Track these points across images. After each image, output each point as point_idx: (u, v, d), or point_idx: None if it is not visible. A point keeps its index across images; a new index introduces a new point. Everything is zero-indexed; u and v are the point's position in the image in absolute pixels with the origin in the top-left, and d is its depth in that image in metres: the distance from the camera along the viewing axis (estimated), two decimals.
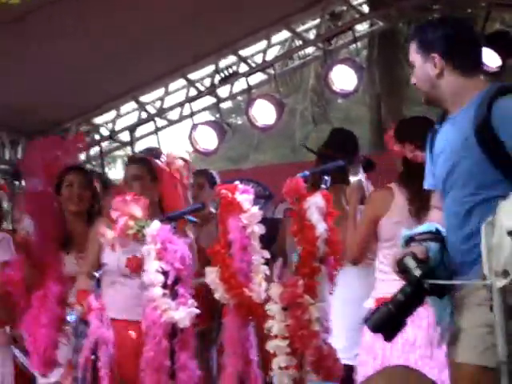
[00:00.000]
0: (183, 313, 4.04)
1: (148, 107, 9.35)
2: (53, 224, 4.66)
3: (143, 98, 9.27)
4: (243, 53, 8.75)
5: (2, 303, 4.57)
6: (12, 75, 8.01)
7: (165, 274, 4.10)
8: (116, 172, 9.43)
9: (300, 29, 8.84)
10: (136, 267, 4.14)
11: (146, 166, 4.69)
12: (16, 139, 9.73)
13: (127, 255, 4.24)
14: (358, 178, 4.43)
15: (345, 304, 4.45)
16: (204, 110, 9.63)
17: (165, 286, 4.08)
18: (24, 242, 4.57)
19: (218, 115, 9.62)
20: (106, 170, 10.90)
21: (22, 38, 7.32)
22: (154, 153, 6.10)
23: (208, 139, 8.67)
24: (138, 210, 4.29)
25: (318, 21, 8.63)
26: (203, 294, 4.38)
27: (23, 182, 9.80)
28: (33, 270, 4.51)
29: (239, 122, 21.15)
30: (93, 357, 4.01)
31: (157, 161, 4.82)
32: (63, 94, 8.50)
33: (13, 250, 4.68)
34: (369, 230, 4.13)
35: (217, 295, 4.08)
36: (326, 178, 4.07)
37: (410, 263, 2.84)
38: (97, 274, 4.26)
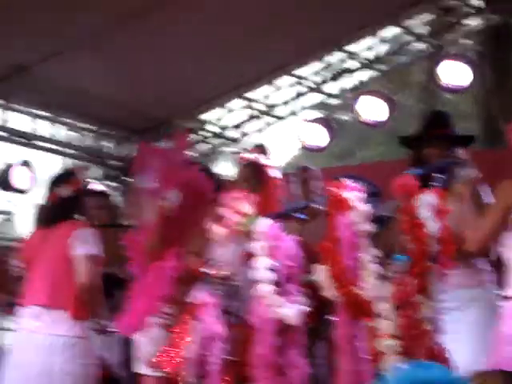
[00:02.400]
0: (292, 310, 4.05)
1: (257, 104, 9.40)
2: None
3: (251, 95, 9.32)
4: (352, 49, 8.70)
5: (89, 296, 4.64)
6: (122, 74, 8.20)
7: (274, 271, 4.11)
8: (222, 169, 9.46)
9: (410, 24, 8.72)
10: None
11: (254, 170, 4.72)
12: (126, 136, 9.94)
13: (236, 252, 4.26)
14: (468, 171, 4.35)
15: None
16: (312, 107, 9.62)
17: (274, 283, 4.09)
18: (165, 214, 4.60)
19: (324, 112, 9.60)
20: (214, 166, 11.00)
21: (134, 37, 7.48)
22: (262, 150, 6.12)
23: (316, 136, 8.66)
24: (246, 207, 4.31)
25: (428, 16, 8.51)
26: (310, 292, 4.37)
27: (134, 178, 10.01)
28: (160, 241, 4.56)
29: (345, 119, 20.99)
30: (203, 352, 4.05)
31: (264, 161, 4.83)
32: (172, 91, 8.64)
33: (99, 245, 4.71)
34: (499, 220, 3.96)
35: (326, 293, 4.06)
36: (441, 175, 3.99)
37: None
38: (204, 270, 4.30)
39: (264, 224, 4.21)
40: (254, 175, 4.75)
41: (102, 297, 4.69)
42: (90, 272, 4.66)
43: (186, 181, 4.69)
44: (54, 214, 4.86)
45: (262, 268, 4.12)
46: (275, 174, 4.87)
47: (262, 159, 4.91)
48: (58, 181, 4.98)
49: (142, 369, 4.67)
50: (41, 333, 4.61)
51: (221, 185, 4.76)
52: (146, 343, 4.65)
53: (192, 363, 4.08)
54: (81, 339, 4.59)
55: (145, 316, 4.44)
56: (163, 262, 4.50)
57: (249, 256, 4.17)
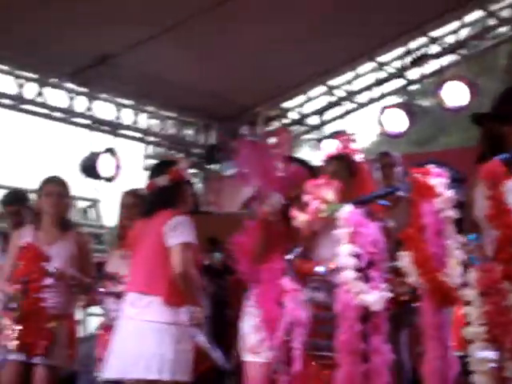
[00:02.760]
0: (376, 296, 4.03)
1: (337, 91, 9.38)
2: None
3: (332, 82, 9.30)
4: (434, 34, 8.60)
5: (185, 282, 4.69)
6: (205, 61, 8.28)
7: (357, 257, 4.10)
8: (304, 156, 9.44)
9: (494, 8, 8.57)
10: None
11: (343, 163, 4.70)
12: (210, 123, 10.03)
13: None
14: None
15: None
16: (392, 93, 9.55)
17: (357, 269, 4.08)
18: (266, 219, 4.65)
19: (405, 98, 9.51)
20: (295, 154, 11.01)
21: (217, 24, 7.52)
22: (347, 137, 6.05)
23: (397, 122, 8.59)
24: (330, 194, 4.31)
25: None
26: (393, 278, 4.35)
27: (216, 166, 10.11)
28: (265, 244, 4.61)
29: (426, 104, 20.75)
30: (287, 338, 4.08)
31: (353, 149, 4.80)
32: (254, 79, 8.68)
33: (194, 233, 4.78)
34: None
35: (410, 279, 4.04)
36: None
37: None
38: (290, 257, 4.32)
39: (347, 210, 4.20)
40: (344, 165, 4.72)
41: (196, 285, 4.73)
42: (185, 260, 4.68)
43: (287, 180, 4.71)
44: (152, 203, 4.93)
45: (345, 254, 4.12)
46: (363, 160, 4.84)
47: (349, 147, 4.87)
48: (157, 170, 5.03)
49: (247, 356, 4.74)
50: (136, 319, 4.70)
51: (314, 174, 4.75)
52: (250, 332, 4.71)
53: (277, 349, 4.12)
54: (173, 325, 4.65)
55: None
56: (272, 264, 4.54)
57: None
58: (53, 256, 5.24)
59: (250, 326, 4.76)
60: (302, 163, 5.00)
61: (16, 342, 4.90)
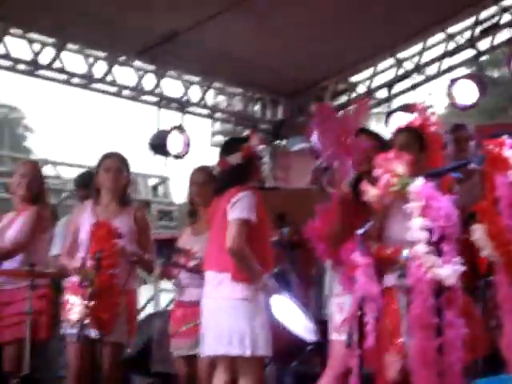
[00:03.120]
0: (449, 270, 3.98)
1: (405, 63, 9.26)
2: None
3: (401, 55, 9.18)
4: (506, 3, 8.41)
5: (237, 258, 4.71)
6: (271, 36, 8.24)
7: (429, 231, 4.05)
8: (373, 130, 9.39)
9: None
10: None
11: (413, 135, 4.65)
12: (276, 99, 10.01)
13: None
14: None
15: None
16: (462, 64, 9.39)
17: (430, 243, 4.03)
18: (344, 198, 4.63)
19: (475, 69, 9.35)
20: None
21: None
22: (411, 109, 5.97)
23: (467, 94, 8.44)
24: (400, 167, 4.26)
25: None
26: (466, 251, 4.29)
27: (284, 142, 10.09)
28: (342, 226, 4.60)
29: (497, 75, 20.40)
30: (359, 312, 4.06)
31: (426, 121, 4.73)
32: (321, 53, 8.61)
33: (253, 209, 4.75)
34: None
35: (484, 253, 3.98)
36: None
37: None
38: (361, 232, 4.28)
39: (418, 184, 4.15)
40: (413, 138, 4.66)
41: (252, 261, 4.72)
42: (237, 236, 4.69)
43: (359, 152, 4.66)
44: (224, 181, 4.94)
45: (417, 228, 4.07)
46: (436, 133, 4.76)
47: (426, 118, 4.80)
48: (229, 147, 5.00)
49: (332, 335, 4.74)
50: (213, 297, 4.76)
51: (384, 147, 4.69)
52: (335, 311, 4.72)
53: (349, 323, 4.10)
54: (246, 301, 4.67)
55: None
56: (349, 247, 4.52)
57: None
58: None
59: (335, 305, 4.79)
60: (373, 136, 4.95)
61: (89, 318, 4.95)
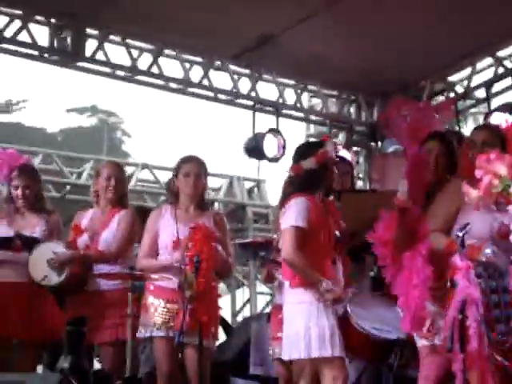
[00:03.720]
0: None
1: (505, 62, 9.05)
2: (424, 186, 4.65)
3: (500, 53, 8.98)
4: None
5: (291, 266, 4.73)
6: (365, 37, 8.19)
7: None
8: (467, 131, 9.18)
9: None
10: (505, 234, 4.04)
11: (493, 132, 4.55)
12: (372, 100, 9.93)
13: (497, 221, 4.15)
14: None
15: None
16: None
17: None
18: (402, 205, 4.59)
19: None
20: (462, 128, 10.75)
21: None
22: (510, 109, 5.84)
23: None
24: (503, 169, 4.17)
25: None
26: None
27: (379, 143, 10.01)
28: (404, 231, 4.55)
29: None
30: (460, 316, 3.99)
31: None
32: (417, 53, 8.51)
33: (303, 216, 4.70)
34: None
35: None
36: None
37: None
38: (460, 234, 4.20)
39: None
40: (493, 135, 4.57)
41: (305, 268, 4.70)
42: (288, 245, 4.72)
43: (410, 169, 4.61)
44: (293, 186, 4.92)
45: None
46: None
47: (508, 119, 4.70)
48: (304, 152, 4.96)
49: (419, 341, 4.69)
50: (285, 302, 4.85)
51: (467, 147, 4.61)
52: None
53: (450, 327, 4.03)
54: (303, 304, 4.69)
55: (420, 312, 4.44)
56: (414, 250, 4.47)
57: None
58: None
59: None
60: (445, 140, 4.88)
61: (187, 322, 4.98)
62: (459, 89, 9.62)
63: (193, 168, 5.38)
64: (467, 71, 9.40)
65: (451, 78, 9.61)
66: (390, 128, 4.89)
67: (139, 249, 5.45)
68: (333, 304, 4.69)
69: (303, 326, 4.66)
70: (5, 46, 7.95)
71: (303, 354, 4.65)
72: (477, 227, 4.16)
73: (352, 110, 10.17)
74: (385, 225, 4.66)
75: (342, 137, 10.28)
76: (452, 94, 9.63)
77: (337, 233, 4.90)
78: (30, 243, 5.57)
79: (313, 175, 4.86)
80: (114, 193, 5.70)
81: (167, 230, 5.29)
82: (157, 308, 5.19)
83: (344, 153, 6.66)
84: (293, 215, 4.75)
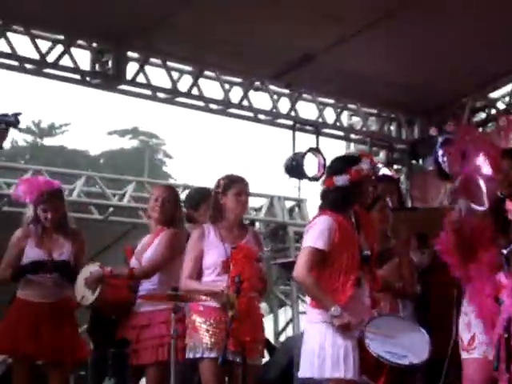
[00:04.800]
0: None
1: None
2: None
3: None
4: None
5: (307, 290, 4.78)
6: (404, 55, 8.18)
7: None
8: None
9: None
10: None
11: None
12: (412, 118, 9.89)
13: None
14: None
15: None
16: None
17: None
18: (458, 222, 4.56)
19: None
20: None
21: (413, 15, 7.41)
22: None
23: None
24: None
25: None
26: None
27: (420, 161, 9.95)
28: (463, 246, 4.52)
29: None
30: (506, 335, 3.94)
31: None
32: (457, 69, 8.48)
33: (323, 237, 4.66)
34: None
35: None
36: None
37: None
38: (505, 252, 4.16)
39: None
40: None
41: (316, 290, 4.69)
42: (301, 264, 4.68)
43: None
44: (323, 201, 4.86)
45: None
46: None
47: None
48: (337, 167, 4.89)
49: (463, 354, 4.64)
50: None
51: None
52: (463, 329, 4.64)
53: (495, 345, 3.99)
54: (318, 323, 4.67)
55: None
56: (481, 260, 4.44)
57: None
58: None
59: (463, 324, 4.67)
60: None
61: (230, 341, 4.98)
62: (501, 105, 9.54)
63: (244, 188, 5.41)
64: (509, 87, 9.32)
65: (492, 95, 9.54)
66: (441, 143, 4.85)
67: (182, 269, 5.45)
68: (341, 330, 4.63)
69: (318, 345, 4.64)
70: (48, 70, 8.08)
71: (316, 374, 4.62)
72: None
73: (393, 127, 10.13)
74: (447, 234, 4.61)
75: (382, 155, 10.25)
76: (493, 111, 9.56)
77: (367, 252, 4.80)
78: (60, 266, 5.70)
79: (344, 193, 4.78)
80: (161, 213, 5.72)
81: (213, 250, 5.29)
82: (208, 329, 5.21)
83: (386, 171, 6.64)
84: (314, 235, 4.70)
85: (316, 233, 4.69)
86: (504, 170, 4.66)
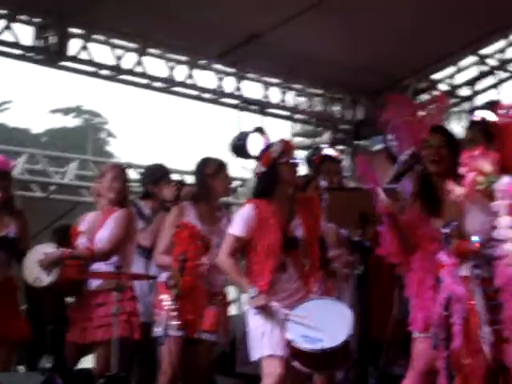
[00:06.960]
0: None
1: (489, 60, 9.09)
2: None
3: (484, 51, 9.01)
4: None
5: (226, 273, 4.87)
6: (350, 36, 8.21)
7: None
8: (454, 129, 9.21)
9: None
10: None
11: (477, 129, 4.58)
12: (356, 99, 9.94)
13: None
14: None
15: None
16: None
17: None
18: (387, 211, 4.63)
19: None
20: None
21: None
22: (494, 107, 5.81)
23: None
24: (487, 165, 4.18)
25: None
26: None
27: (362, 142, 10.01)
28: (406, 233, 4.59)
29: None
30: (445, 313, 4.00)
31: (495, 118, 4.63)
32: (401, 51, 8.53)
33: (243, 225, 4.80)
34: None
35: None
36: None
37: None
38: (445, 231, 4.22)
39: (505, 182, 4.07)
40: (479, 131, 4.59)
41: (232, 274, 4.84)
42: (222, 250, 4.86)
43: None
44: (253, 190, 5.03)
45: (505, 227, 3.99)
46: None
47: (491, 116, 4.70)
48: (258, 156, 5.06)
49: (415, 333, 4.68)
50: None
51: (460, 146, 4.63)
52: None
53: (436, 324, 4.05)
54: (248, 308, 4.85)
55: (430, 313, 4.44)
56: (426, 249, 4.50)
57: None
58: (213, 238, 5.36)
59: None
60: (447, 134, 4.88)
61: (176, 319, 5.00)
62: (443, 87, 9.66)
63: (228, 173, 5.64)
64: (451, 69, 9.43)
65: (435, 77, 9.64)
66: (388, 127, 4.90)
67: (158, 243, 5.53)
68: (262, 312, 4.73)
69: (249, 327, 4.82)
70: None
71: (253, 356, 4.77)
72: (468, 225, 4.17)
73: (337, 108, 10.17)
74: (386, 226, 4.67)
75: (327, 135, 10.29)
76: (436, 93, 9.67)
77: (295, 236, 4.87)
78: (6, 244, 5.64)
79: (261, 179, 4.94)
80: (117, 193, 5.70)
81: None
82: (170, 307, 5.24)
83: (331, 151, 6.66)
84: (234, 223, 4.90)
85: (236, 221, 4.90)
86: (433, 146, 4.73)
